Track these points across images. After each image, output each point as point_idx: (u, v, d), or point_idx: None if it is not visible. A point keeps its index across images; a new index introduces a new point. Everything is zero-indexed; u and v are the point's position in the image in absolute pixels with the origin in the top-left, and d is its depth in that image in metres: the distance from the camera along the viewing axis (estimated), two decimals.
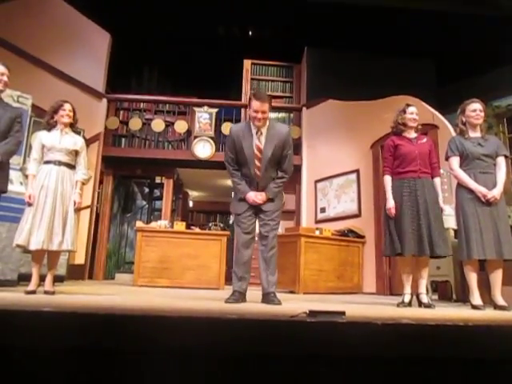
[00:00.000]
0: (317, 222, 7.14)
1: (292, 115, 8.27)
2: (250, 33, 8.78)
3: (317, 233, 5.86)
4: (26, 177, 3.54)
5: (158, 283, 5.43)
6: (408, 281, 3.49)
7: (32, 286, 3.21)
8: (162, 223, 5.85)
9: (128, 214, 9.83)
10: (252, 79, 8.44)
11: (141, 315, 1.75)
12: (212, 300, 3.34)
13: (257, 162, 3.22)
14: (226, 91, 8.60)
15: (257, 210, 3.28)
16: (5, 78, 3.35)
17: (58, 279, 4.61)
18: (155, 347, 1.61)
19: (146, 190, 9.73)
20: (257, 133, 3.23)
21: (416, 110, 3.65)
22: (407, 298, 3.42)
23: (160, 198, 8.23)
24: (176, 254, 5.61)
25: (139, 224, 6.02)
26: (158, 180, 9.07)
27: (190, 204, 11.07)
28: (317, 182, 7.33)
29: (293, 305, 3.10)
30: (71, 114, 3.51)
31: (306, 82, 7.93)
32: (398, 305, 3.35)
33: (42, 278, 3.33)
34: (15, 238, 3.25)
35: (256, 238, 3.40)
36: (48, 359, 1.60)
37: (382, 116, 5.58)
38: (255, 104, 3.16)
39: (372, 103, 6.41)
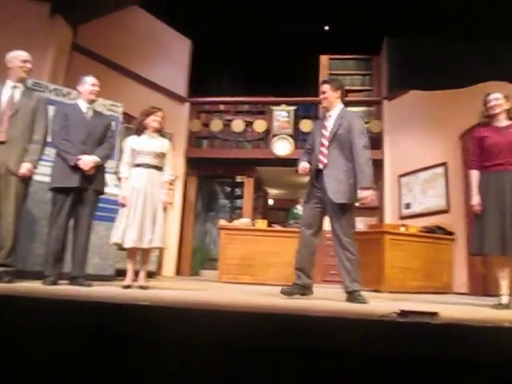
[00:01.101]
0: (401, 218, 6.86)
1: (372, 109, 8.01)
2: (326, 27, 8.65)
3: (402, 229, 5.63)
4: (119, 179, 3.80)
5: (242, 280, 5.55)
6: (504, 281, 3.24)
7: (128, 281, 3.45)
8: (244, 221, 5.98)
9: (211, 212, 10.17)
10: (330, 74, 8.30)
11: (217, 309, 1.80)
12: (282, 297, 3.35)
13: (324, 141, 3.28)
14: (304, 88, 8.55)
15: None
16: (95, 89, 3.62)
17: (148, 275, 4.91)
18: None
19: (228, 188, 10.00)
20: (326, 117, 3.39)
21: (496, 96, 3.38)
22: (505, 300, 3.17)
23: (241, 197, 8.42)
24: (258, 252, 5.70)
25: (222, 222, 6.20)
26: (238, 179, 9.27)
27: (270, 202, 11.18)
28: (400, 176, 7.05)
29: (380, 304, 3.01)
30: (162, 120, 3.70)
31: (386, 73, 7.65)
32: (495, 306, 3.12)
33: (136, 274, 3.56)
34: (111, 236, 3.51)
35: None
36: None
37: (471, 104, 5.21)
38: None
39: (459, 91, 6.01)
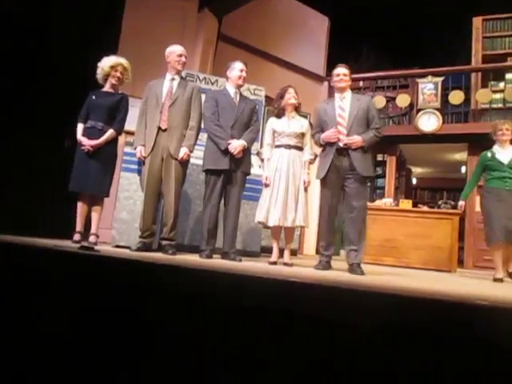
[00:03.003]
0: None
1: None
2: None
3: None
4: (262, 160, 3.97)
5: (384, 261, 5.40)
6: None
7: (274, 258, 3.62)
8: (387, 201, 5.77)
9: None
10: (484, 37, 7.42)
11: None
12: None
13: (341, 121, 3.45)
14: (452, 57, 7.80)
15: None
16: (244, 74, 3.80)
17: (292, 253, 5.08)
18: None
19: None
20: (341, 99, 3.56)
21: None
22: None
23: (382, 176, 8.10)
24: (402, 233, 5.46)
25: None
26: (379, 157, 8.94)
27: (414, 181, 10.58)
28: None
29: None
30: (296, 96, 3.76)
31: None
32: None
33: (280, 251, 3.71)
34: (256, 215, 3.70)
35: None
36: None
37: None
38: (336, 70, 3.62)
39: None
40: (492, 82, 7.29)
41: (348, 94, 3.58)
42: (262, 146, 3.84)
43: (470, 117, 7.31)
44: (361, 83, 8.24)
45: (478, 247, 6.87)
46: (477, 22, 7.49)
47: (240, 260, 3.47)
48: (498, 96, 7.02)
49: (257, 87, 5.15)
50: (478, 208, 7.04)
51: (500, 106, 6.99)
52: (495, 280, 3.88)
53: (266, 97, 5.30)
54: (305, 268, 3.48)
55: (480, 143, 6.45)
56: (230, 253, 3.57)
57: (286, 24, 7.28)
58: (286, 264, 3.55)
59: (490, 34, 7.44)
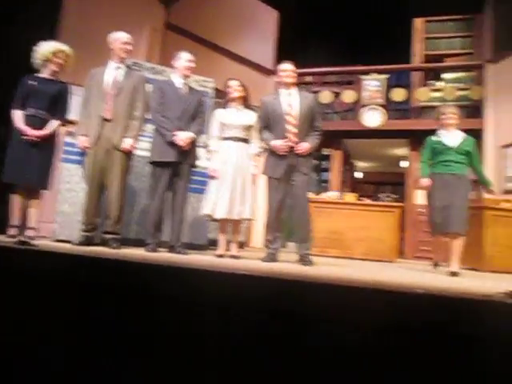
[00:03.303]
0: (504, 192, 6.33)
1: (472, 74, 7.36)
2: None
3: (506, 205, 5.20)
4: (209, 153, 3.94)
5: (328, 253, 5.52)
6: None
7: (220, 251, 3.61)
8: (333, 194, 5.91)
9: None
10: (426, 38, 7.76)
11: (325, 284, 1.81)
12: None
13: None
14: (396, 55, 8.08)
15: None
16: (191, 65, 3.74)
17: (239, 245, 5.09)
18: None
19: (314, 161, 9.89)
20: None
21: None
22: None
23: (327, 170, 8.29)
24: (347, 225, 5.62)
25: (310, 195, 6.17)
26: (325, 152, 9.13)
27: (358, 175, 10.92)
28: (504, 147, 6.46)
29: (485, 283, 2.83)
30: (239, 88, 3.73)
31: (490, 33, 6.95)
32: None
33: (227, 244, 3.71)
34: (202, 207, 3.67)
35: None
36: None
37: None
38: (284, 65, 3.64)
39: None
40: (431, 81, 7.66)
41: (294, 90, 3.62)
42: (209, 139, 3.79)
43: (411, 113, 7.63)
44: (308, 78, 8.35)
45: (417, 239, 7.22)
46: (418, 23, 7.81)
47: (186, 253, 3.44)
48: (436, 94, 7.37)
49: (205, 79, 5.08)
50: (418, 201, 7.42)
51: (438, 103, 7.34)
52: (433, 265, 3.98)
53: (215, 89, 5.25)
54: (252, 260, 3.49)
55: (420, 139, 6.77)
56: (176, 246, 3.52)
57: (235, 16, 7.25)
58: (232, 257, 3.56)
59: (431, 35, 7.79)
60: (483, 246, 4.87)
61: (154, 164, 3.60)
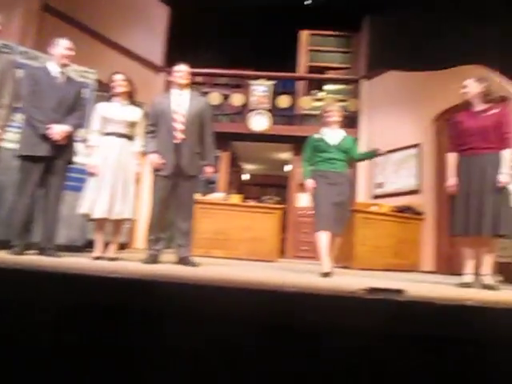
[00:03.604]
0: (373, 197, 6.98)
1: (350, 87, 8.00)
2: (308, 1, 8.49)
3: (374, 208, 5.73)
4: (89, 148, 3.70)
5: (214, 254, 5.56)
6: (469, 261, 3.34)
7: (97, 253, 3.41)
8: (219, 195, 5.95)
9: None
10: (310, 50, 8.22)
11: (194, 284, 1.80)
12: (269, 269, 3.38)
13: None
14: (283, 63, 8.44)
15: None
16: (69, 53, 3.48)
17: (120, 247, 4.86)
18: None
19: (202, 162, 9.88)
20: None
21: (468, 83, 3.40)
22: (468, 279, 3.29)
23: (215, 171, 8.35)
24: (232, 226, 5.70)
25: (196, 196, 6.14)
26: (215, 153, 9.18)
27: (245, 177, 11.17)
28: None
29: (348, 280, 3.07)
30: (123, 83, 3.58)
31: (365, 52, 7.62)
32: (459, 285, 3.23)
33: (105, 245, 3.52)
34: (79, 206, 3.43)
35: None
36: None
37: (447, 87, 5.27)
38: (180, 66, 3.64)
39: (438, 73, 6.04)
40: (314, 91, 8.14)
41: (187, 91, 3.63)
42: (89, 133, 3.56)
43: (295, 120, 8.02)
44: (198, 78, 8.31)
45: (298, 239, 7.62)
46: (303, 35, 8.25)
47: (57, 256, 3.18)
48: (318, 104, 7.85)
49: (86, 69, 4.76)
50: (299, 203, 7.83)
51: (319, 112, 7.82)
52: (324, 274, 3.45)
53: (97, 81, 4.95)
54: (131, 262, 3.36)
55: (303, 144, 7.15)
56: (46, 248, 3.25)
57: (124, 7, 6.92)
58: (110, 259, 3.38)
59: (314, 48, 8.28)
60: (354, 246, 5.31)
61: (23, 158, 3.27)
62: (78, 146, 3.91)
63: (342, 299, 1.70)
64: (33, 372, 1.65)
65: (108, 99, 3.62)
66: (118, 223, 3.53)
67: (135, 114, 3.62)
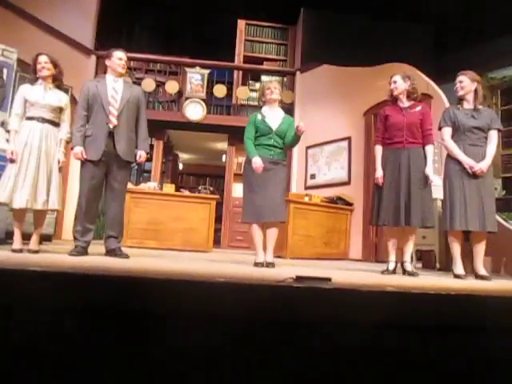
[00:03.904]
0: (306, 188, 7.16)
1: (285, 79, 8.11)
2: None
3: (306, 199, 5.89)
4: (8, 132, 3.46)
5: (147, 245, 5.44)
6: (393, 249, 3.54)
7: (17, 245, 3.20)
8: (152, 185, 5.82)
9: None
10: (246, 40, 8.22)
11: (127, 276, 1.75)
12: (202, 261, 3.37)
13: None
14: (220, 52, 8.37)
15: None
16: None
17: (46, 238, 4.62)
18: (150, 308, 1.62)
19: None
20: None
21: (395, 78, 3.60)
22: (392, 266, 3.48)
23: (150, 160, 8.15)
24: (165, 217, 5.60)
25: (128, 186, 5.96)
26: (148, 141, 8.95)
27: (180, 166, 11.00)
28: (308, 148, 7.29)
29: (280, 270, 3.13)
30: (49, 65, 3.37)
31: (301, 45, 7.75)
32: (382, 272, 3.41)
33: (28, 237, 3.32)
34: None
35: None
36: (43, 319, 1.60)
37: (376, 83, 5.51)
38: (121, 54, 3.52)
39: (368, 70, 6.31)
40: (250, 81, 8.17)
41: (121, 79, 3.56)
42: (9, 116, 3.31)
43: (231, 110, 8.01)
44: (132, 63, 8.02)
45: (233, 229, 7.66)
46: (241, 24, 8.23)
47: None
48: (254, 94, 7.89)
49: (7, 48, 4.43)
50: (234, 193, 7.86)
51: (255, 103, 7.87)
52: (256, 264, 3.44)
53: (20, 60, 4.62)
54: (58, 255, 3.20)
55: (239, 135, 7.17)
56: None
57: None
58: (30, 251, 3.19)
59: (251, 38, 8.29)
60: (287, 236, 5.42)
61: None
62: None
63: (269, 289, 1.73)
64: None
65: (32, 81, 3.39)
66: (40, 213, 3.33)
67: (61, 98, 3.43)
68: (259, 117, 3.68)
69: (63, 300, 1.61)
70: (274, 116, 3.71)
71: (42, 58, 3.35)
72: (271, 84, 3.86)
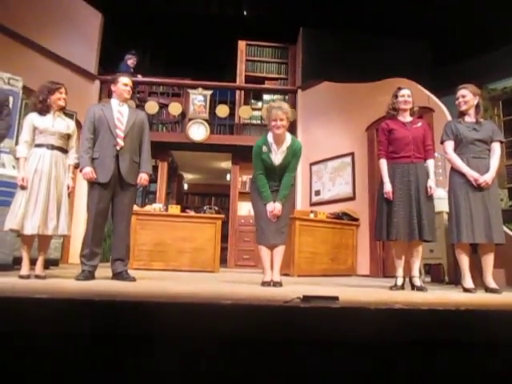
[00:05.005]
0: (311, 204, 7.15)
1: (287, 97, 8.18)
2: (245, 12, 8.64)
3: (311, 216, 5.88)
4: (17, 160, 3.50)
5: (154, 266, 5.44)
6: (400, 264, 3.51)
7: (25, 271, 3.21)
8: (157, 206, 5.84)
9: None
10: (247, 60, 8.34)
11: (138, 301, 1.75)
12: (206, 283, 3.36)
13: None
14: (221, 73, 8.50)
15: None
16: None
17: (53, 263, 4.63)
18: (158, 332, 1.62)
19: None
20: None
21: (408, 93, 3.61)
22: (400, 281, 3.45)
23: (154, 181, 8.20)
24: (171, 237, 5.61)
25: (134, 207, 5.99)
26: (152, 163, 9.01)
27: (185, 187, 11.05)
28: (312, 164, 7.32)
29: (287, 288, 3.12)
30: (66, 97, 3.48)
31: (301, 63, 7.84)
32: (390, 288, 3.38)
33: (35, 262, 3.33)
34: (7, 222, 3.21)
35: None
36: (47, 345, 1.60)
37: (377, 98, 5.56)
38: (126, 80, 3.61)
39: (368, 85, 6.37)
40: (252, 101, 8.26)
41: (126, 104, 3.63)
42: (17, 144, 3.36)
43: (234, 129, 8.08)
44: (136, 88, 8.14)
45: (239, 248, 7.64)
46: (241, 45, 8.36)
47: None
48: (256, 113, 7.96)
49: (12, 76, 4.52)
50: (239, 212, 7.87)
51: (258, 122, 7.95)
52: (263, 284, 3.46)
53: (25, 88, 4.71)
54: (65, 280, 3.20)
55: (242, 153, 7.27)
56: None
57: (53, 12, 6.61)
58: (37, 277, 3.20)
59: (252, 58, 8.41)
60: (294, 254, 5.40)
61: None
62: (6, 158, 3.70)
63: (276, 309, 1.72)
64: None
65: (42, 111, 3.43)
66: (45, 238, 3.34)
67: (69, 125, 3.49)
68: (264, 149, 3.55)
69: (69, 326, 1.61)
70: (278, 147, 3.55)
71: (63, 90, 3.44)
72: (278, 112, 3.47)
